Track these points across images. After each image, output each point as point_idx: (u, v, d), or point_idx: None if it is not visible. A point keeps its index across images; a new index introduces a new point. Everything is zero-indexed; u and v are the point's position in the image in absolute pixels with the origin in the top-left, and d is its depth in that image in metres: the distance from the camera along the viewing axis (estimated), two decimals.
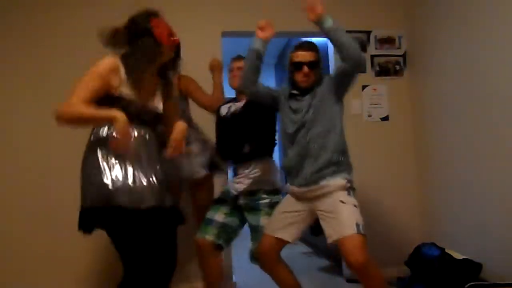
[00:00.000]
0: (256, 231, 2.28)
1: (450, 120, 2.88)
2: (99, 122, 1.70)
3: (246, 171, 2.34)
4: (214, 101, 2.57)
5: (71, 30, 2.96)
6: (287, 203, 2.23)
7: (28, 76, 2.92)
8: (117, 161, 1.67)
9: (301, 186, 2.15)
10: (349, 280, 3.16)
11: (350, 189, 2.12)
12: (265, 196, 2.31)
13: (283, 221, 2.17)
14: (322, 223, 2.08)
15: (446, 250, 2.64)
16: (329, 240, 2.02)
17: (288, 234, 2.15)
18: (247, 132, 2.35)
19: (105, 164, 1.66)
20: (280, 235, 2.14)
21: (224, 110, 2.49)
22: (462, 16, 2.71)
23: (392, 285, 2.94)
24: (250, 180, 2.32)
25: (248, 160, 2.34)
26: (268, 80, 6.05)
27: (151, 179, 1.72)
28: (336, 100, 2.20)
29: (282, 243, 2.17)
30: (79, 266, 2.85)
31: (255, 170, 2.32)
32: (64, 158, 2.78)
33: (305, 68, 2.15)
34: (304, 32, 3.28)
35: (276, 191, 2.36)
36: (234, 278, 3.13)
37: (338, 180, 2.11)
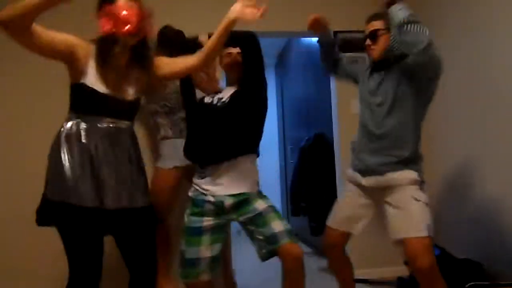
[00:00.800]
0: (272, 238, 1.91)
1: (450, 120, 2.88)
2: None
3: (226, 172, 1.98)
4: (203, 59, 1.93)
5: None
6: (353, 194, 2.12)
7: (23, 76, 2.92)
8: (78, 158, 1.60)
9: (365, 176, 2.04)
10: None
11: (422, 183, 1.97)
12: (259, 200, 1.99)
13: (349, 213, 2.11)
14: (388, 217, 1.97)
15: (446, 250, 2.64)
16: (394, 237, 1.94)
17: (355, 227, 2.12)
18: (238, 124, 2.00)
19: (67, 158, 1.59)
20: (344, 228, 2.11)
21: (208, 98, 2.16)
22: (462, 16, 2.71)
23: (392, 285, 2.94)
24: (233, 182, 1.97)
25: (233, 156, 1.98)
26: (268, 80, 6.05)
27: (110, 177, 1.63)
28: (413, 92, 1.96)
29: (348, 236, 2.14)
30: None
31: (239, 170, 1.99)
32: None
33: (368, 41, 2.06)
34: (304, 32, 3.28)
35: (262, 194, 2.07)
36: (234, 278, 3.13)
37: (409, 173, 1.95)
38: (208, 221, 1.99)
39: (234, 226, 2.53)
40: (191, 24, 3.19)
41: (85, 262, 1.61)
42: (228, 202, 1.96)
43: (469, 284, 2.31)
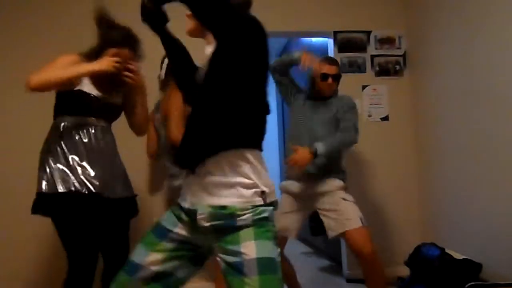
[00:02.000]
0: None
1: (450, 120, 2.88)
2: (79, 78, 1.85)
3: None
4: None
5: (68, 28, 2.97)
6: (287, 203, 2.44)
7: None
8: (68, 152, 1.80)
9: (302, 184, 2.39)
10: (349, 280, 3.16)
11: (346, 188, 2.43)
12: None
13: (285, 221, 2.38)
14: (324, 219, 2.34)
15: (446, 250, 2.64)
16: (332, 234, 2.29)
17: (291, 232, 2.42)
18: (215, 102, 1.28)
19: (59, 152, 1.81)
20: (282, 234, 2.31)
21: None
22: (462, 16, 2.71)
23: (392, 285, 2.94)
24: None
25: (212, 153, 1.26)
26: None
27: (96, 168, 1.82)
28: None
29: (285, 241, 2.40)
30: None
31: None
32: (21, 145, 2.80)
33: (330, 80, 2.43)
34: (304, 32, 3.29)
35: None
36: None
37: (338, 182, 2.39)
38: (181, 230, 1.31)
39: None
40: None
41: (82, 248, 1.78)
42: (202, 215, 1.24)
43: (469, 284, 2.31)
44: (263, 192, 1.24)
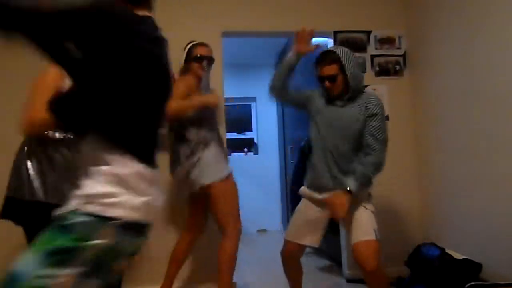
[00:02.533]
0: None
1: (450, 119, 2.88)
2: None
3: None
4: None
5: None
6: (309, 210, 2.29)
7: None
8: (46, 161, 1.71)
9: (323, 191, 2.22)
10: (349, 280, 3.16)
11: (370, 195, 2.29)
12: None
13: (306, 228, 2.28)
14: (344, 228, 2.24)
15: (446, 250, 2.64)
16: (348, 247, 2.23)
17: (313, 239, 2.29)
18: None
19: (30, 162, 1.71)
20: (303, 242, 2.27)
21: None
22: (462, 16, 2.71)
23: (392, 285, 2.94)
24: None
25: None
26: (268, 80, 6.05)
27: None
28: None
29: (304, 249, 2.33)
30: None
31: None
32: None
33: (327, 83, 2.15)
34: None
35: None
36: (234, 278, 3.13)
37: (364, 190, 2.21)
38: None
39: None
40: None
41: None
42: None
43: (469, 284, 2.31)
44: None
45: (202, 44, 2.50)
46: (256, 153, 6.14)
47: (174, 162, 2.47)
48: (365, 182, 2.13)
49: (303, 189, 2.35)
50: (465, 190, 2.74)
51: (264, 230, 5.65)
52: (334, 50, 2.16)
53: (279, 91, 2.31)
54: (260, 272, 3.46)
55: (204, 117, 2.41)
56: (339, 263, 3.43)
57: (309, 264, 3.80)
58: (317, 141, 2.25)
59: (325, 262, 3.80)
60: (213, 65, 2.58)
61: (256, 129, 6.26)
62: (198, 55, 2.44)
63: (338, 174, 2.18)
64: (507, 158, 2.36)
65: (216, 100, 2.36)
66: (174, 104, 2.18)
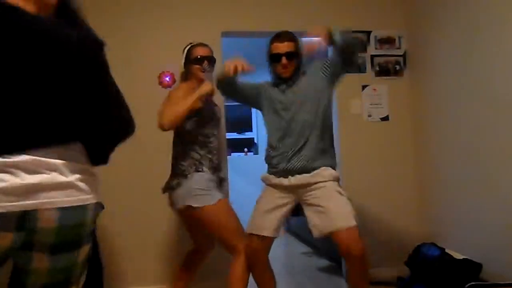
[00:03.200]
0: None
1: (450, 120, 2.88)
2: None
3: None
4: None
5: None
6: (269, 198, 2.18)
7: None
8: None
9: (288, 176, 2.14)
10: None
11: (339, 179, 2.16)
12: None
13: (269, 218, 2.14)
14: (309, 214, 2.10)
15: (446, 250, 2.64)
16: (318, 234, 2.05)
17: (276, 230, 2.15)
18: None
19: None
20: (266, 233, 2.12)
21: None
22: (462, 15, 2.71)
23: (392, 285, 2.94)
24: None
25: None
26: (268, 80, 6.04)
27: None
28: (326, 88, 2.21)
29: (271, 241, 2.16)
30: None
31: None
32: None
33: (284, 59, 2.14)
34: (304, 32, 3.28)
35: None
36: None
37: (331, 170, 2.11)
38: None
39: None
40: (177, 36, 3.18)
41: None
42: None
43: (469, 284, 2.31)
44: None
45: (201, 45, 2.37)
46: (256, 153, 6.13)
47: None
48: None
49: (266, 176, 2.26)
50: (465, 190, 2.73)
51: None
52: (289, 31, 2.23)
53: (226, 89, 2.30)
54: None
55: (199, 136, 2.26)
56: (339, 263, 3.43)
57: (309, 264, 3.80)
58: (281, 129, 2.18)
59: (325, 262, 3.80)
60: (215, 66, 2.45)
61: (256, 129, 6.26)
62: (198, 56, 2.30)
63: (309, 154, 2.12)
64: (508, 158, 2.36)
65: (210, 87, 2.19)
66: (167, 113, 2.09)
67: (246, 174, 5.82)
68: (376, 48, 3.33)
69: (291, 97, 2.19)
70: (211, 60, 2.36)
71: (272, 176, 2.22)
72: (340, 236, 1.98)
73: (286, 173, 2.16)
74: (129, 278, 2.89)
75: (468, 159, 2.70)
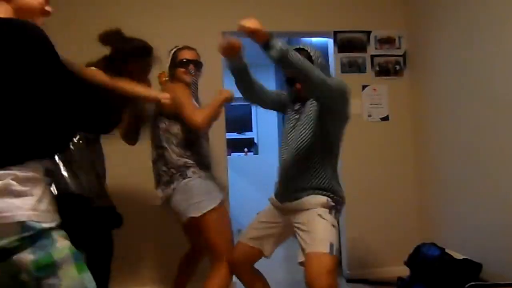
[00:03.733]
0: None
1: (450, 120, 2.88)
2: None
3: None
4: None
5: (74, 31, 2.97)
6: (269, 213, 2.11)
7: None
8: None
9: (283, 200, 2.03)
10: (349, 280, 3.15)
11: (333, 208, 1.93)
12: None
13: (261, 231, 2.06)
14: (297, 238, 1.91)
15: (446, 250, 2.64)
16: (299, 259, 1.86)
17: (266, 247, 2.04)
18: None
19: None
20: (255, 245, 2.03)
21: None
22: (462, 15, 2.71)
23: (392, 285, 2.94)
24: None
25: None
26: (269, 81, 6.04)
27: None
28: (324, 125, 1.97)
29: (258, 254, 2.05)
30: None
31: None
32: None
33: (298, 85, 2.00)
34: (304, 32, 3.28)
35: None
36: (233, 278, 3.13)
37: (319, 198, 1.93)
38: None
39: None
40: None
41: None
42: None
43: (469, 284, 2.31)
44: None
45: (186, 48, 2.29)
46: (256, 153, 6.13)
47: (155, 182, 2.24)
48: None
49: (271, 197, 2.17)
50: (465, 190, 2.73)
51: None
52: (306, 48, 2.00)
53: (247, 94, 2.10)
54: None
55: (188, 138, 2.18)
56: (339, 263, 3.42)
57: None
58: (282, 148, 2.09)
59: None
60: (202, 70, 2.33)
61: (256, 129, 6.26)
62: (184, 59, 2.22)
63: (294, 186, 1.99)
64: (508, 158, 2.36)
65: (230, 94, 2.18)
66: (201, 115, 2.03)
67: (246, 174, 5.82)
68: (376, 48, 3.33)
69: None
70: (197, 65, 2.28)
71: None
72: (306, 261, 1.80)
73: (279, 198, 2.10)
74: (127, 280, 2.89)
75: (468, 159, 2.69)
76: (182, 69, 2.23)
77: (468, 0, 2.65)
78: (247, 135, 6.26)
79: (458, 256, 2.56)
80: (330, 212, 1.91)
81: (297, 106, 2.06)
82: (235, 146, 6.05)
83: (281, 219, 2.04)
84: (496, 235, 2.45)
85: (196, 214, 2.07)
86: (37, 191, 1.09)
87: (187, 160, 2.14)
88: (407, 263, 2.80)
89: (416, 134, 3.31)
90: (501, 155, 2.41)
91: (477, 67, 2.58)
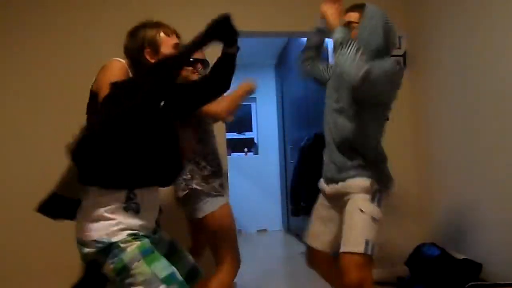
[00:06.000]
0: None
1: (450, 119, 2.88)
2: None
3: None
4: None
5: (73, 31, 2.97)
6: (319, 207, 2.04)
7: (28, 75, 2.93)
8: None
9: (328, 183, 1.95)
10: None
11: (377, 193, 1.82)
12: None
13: (327, 230, 1.99)
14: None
15: (446, 250, 2.64)
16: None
17: (324, 241, 2.01)
18: None
19: None
20: (316, 244, 2.02)
21: None
22: (462, 15, 2.71)
23: (392, 285, 2.94)
24: None
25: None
26: (268, 80, 6.05)
27: None
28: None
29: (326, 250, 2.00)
30: None
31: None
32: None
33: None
34: (304, 32, 3.28)
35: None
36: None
37: (359, 181, 1.82)
38: None
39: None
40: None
41: None
42: None
43: (469, 284, 2.31)
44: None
45: None
46: (256, 153, 6.14)
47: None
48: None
49: (320, 182, 2.07)
50: (466, 190, 2.74)
51: (264, 230, 5.65)
52: (365, 3, 1.92)
53: (307, 63, 2.16)
54: (260, 272, 3.45)
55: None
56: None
57: None
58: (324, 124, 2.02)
59: None
60: (207, 69, 2.32)
61: (256, 129, 6.26)
62: (191, 58, 2.17)
63: (338, 160, 1.88)
64: (508, 157, 2.36)
65: (251, 86, 2.19)
66: (216, 105, 2.02)
67: (246, 174, 5.83)
68: None
69: None
70: (204, 63, 2.29)
71: None
72: (340, 259, 1.78)
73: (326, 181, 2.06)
74: None
75: (469, 158, 2.70)
76: (190, 68, 2.25)
77: (468, 0, 2.65)
78: (247, 135, 6.26)
79: (458, 256, 2.56)
80: (372, 200, 1.79)
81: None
82: (235, 146, 6.05)
83: (334, 210, 1.95)
84: (496, 235, 2.45)
85: (200, 215, 2.08)
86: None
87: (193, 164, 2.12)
88: (407, 263, 2.80)
89: (416, 133, 3.31)
90: (501, 155, 2.41)
91: (477, 67, 2.59)
